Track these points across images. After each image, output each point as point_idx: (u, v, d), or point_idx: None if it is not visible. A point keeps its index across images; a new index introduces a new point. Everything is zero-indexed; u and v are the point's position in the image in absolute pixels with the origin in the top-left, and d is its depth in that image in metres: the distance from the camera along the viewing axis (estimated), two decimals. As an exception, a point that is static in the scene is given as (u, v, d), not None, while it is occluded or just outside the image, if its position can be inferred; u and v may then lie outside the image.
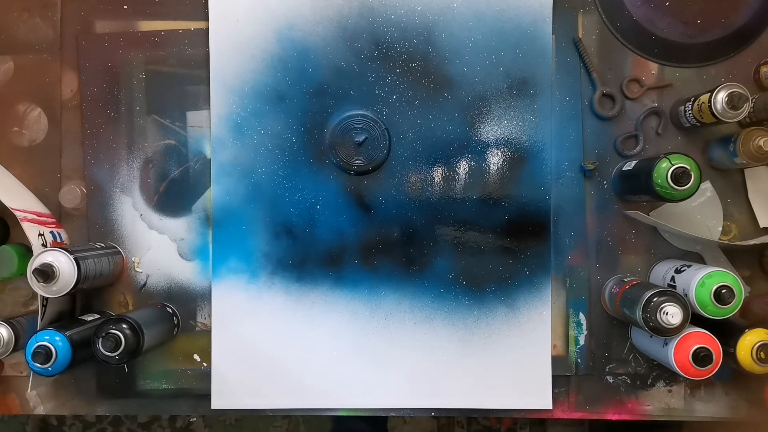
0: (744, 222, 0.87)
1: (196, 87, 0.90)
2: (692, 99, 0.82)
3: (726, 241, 0.85)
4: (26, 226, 0.82)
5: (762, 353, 0.75)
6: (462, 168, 0.88)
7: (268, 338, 0.89)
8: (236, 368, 0.89)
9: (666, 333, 0.75)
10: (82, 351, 0.80)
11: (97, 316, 0.87)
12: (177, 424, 1.62)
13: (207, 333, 0.90)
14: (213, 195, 0.89)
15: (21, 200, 0.87)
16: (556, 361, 0.88)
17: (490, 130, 0.88)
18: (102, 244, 0.88)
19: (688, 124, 0.84)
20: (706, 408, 0.88)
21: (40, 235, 0.83)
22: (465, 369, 0.88)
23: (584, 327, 0.88)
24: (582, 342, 0.88)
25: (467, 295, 0.88)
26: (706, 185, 0.86)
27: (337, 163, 0.88)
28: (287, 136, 0.89)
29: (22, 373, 0.91)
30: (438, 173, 0.88)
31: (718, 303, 0.74)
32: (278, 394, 0.89)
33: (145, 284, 0.91)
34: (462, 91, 0.88)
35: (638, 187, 0.80)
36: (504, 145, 0.88)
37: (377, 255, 0.89)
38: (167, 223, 0.91)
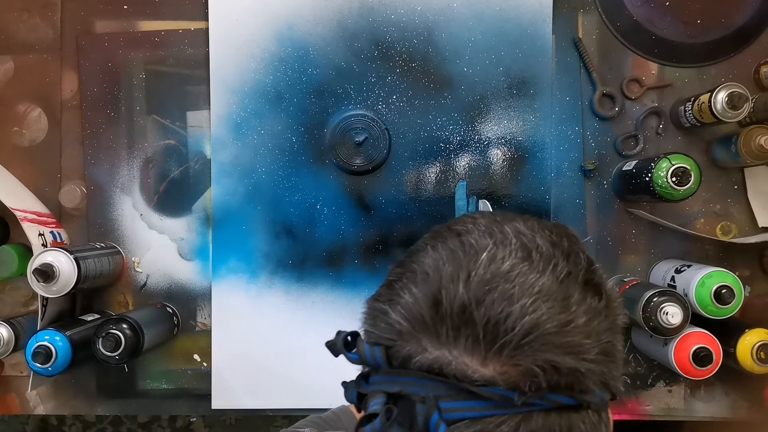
0: (744, 221, 0.87)
1: (196, 87, 0.90)
2: (692, 99, 0.82)
3: (726, 240, 0.85)
4: (26, 226, 0.82)
5: (762, 353, 0.75)
6: (462, 168, 0.88)
7: (268, 338, 0.89)
8: (236, 368, 0.89)
9: (666, 333, 0.75)
10: (82, 351, 0.80)
11: (97, 316, 0.87)
12: (177, 424, 1.62)
13: (207, 333, 0.90)
14: (213, 195, 0.89)
15: (21, 200, 0.87)
16: (556, 361, 0.88)
17: (490, 130, 0.88)
18: (102, 244, 0.88)
19: (688, 124, 0.84)
20: (706, 408, 0.87)
21: (40, 235, 0.83)
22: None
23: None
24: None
25: (467, 295, 0.88)
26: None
27: (337, 163, 0.88)
28: (287, 136, 0.89)
29: (22, 373, 0.91)
30: (438, 173, 0.88)
31: (718, 303, 0.74)
32: (278, 394, 0.89)
33: (145, 284, 0.91)
34: (462, 90, 0.88)
35: (638, 187, 0.80)
36: (504, 144, 0.88)
37: (377, 255, 0.89)
38: (167, 223, 0.91)
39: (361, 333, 0.42)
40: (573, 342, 0.36)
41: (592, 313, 0.37)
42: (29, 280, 0.78)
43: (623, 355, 0.41)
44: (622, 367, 0.41)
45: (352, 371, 0.41)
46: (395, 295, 0.39)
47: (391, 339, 0.38)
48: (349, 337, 0.41)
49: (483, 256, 0.37)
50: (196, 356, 0.91)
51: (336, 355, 0.41)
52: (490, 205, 0.83)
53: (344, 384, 0.41)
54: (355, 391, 0.40)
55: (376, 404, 0.37)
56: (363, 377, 0.40)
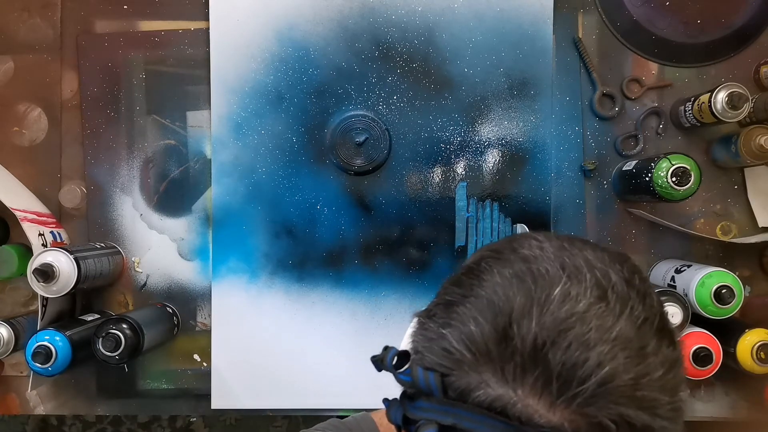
0: (744, 222, 0.87)
1: (196, 87, 0.90)
2: (692, 99, 0.82)
3: (726, 240, 0.85)
4: (26, 226, 0.82)
5: (762, 353, 0.75)
6: (462, 168, 0.88)
7: (268, 338, 0.89)
8: (236, 368, 0.89)
9: (666, 333, 0.75)
10: (82, 351, 0.80)
11: (97, 316, 0.87)
12: (177, 424, 1.62)
13: (207, 333, 0.90)
14: (213, 195, 0.89)
15: (21, 200, 0.87)
16: (556, 361, 0.88)
17: (491, 131, 0.88)
18: (102, 244, 0.88)
19: (688, 124, 0.84)
20: (706, 408, 0.87)
21: (40, 235, 0.83)
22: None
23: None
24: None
25: (467, 295, 0.88)
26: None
27: (337, 163, 0.88)
28: (287, 136, 0.89)
29: (22, 373, 0.91)
30: (438, 173, 0.88)
31: (718, 303, 0.74)
32: (278, 394, 0.89)
33: (145, 284, 0.91)
34: (462, 91, 0.88)
35: (638, 187, 0.80)
36: (504, 145, 0.88)
37: (377, 255, 0.89)
38: (167, 223, 0.91)
39: (408, 348, 0.40)
40: (648, 397, 0.34)
41: (668, 365, 0.36)
42: (29, 280, 0.78)
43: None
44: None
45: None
46: (455, 321, 0.37)
47: (447, 367, 0.36)
48: (396, 357, 0.39)
49: (556, 291, 0.35)
50: (196, 356, 0.91)
51: (379, 370, 0.39)
52: (527, 229, 0.82)
53: (386, 401, 0.39)
54: (401, 412, 0.38)
55: None
56: (408, 398, 0.38)
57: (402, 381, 0.38)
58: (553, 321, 0.34)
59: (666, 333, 0.37)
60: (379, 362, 0.39)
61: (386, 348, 0.39)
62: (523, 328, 0.34)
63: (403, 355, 0.39)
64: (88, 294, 0.91)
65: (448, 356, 0.36)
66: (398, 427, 0.38)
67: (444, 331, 0.37)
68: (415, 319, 0.41)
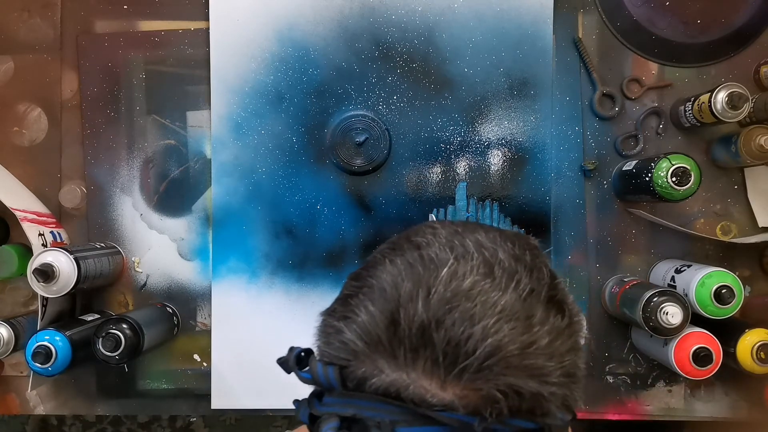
0: (744, 222, 0.87)
1: (196, 87, 0.90)
2: (692, 99, 0.82)
3: (726, 240, 0.85)
4: (26, 226, 0.82)
5: (762, 353, 0.75)
6: (462, 168, 0.88)
7: (268, 338, 0.89)
8: (236, 368, 0.89)
9: (666, 333, 0.75)
10: (82, 351, 0.80)
11: (97, 316, 0.87)
12: (177, 424, 1.62)
13: (207, 333, 0.90)
14: (213, 195, 0.89)
15: (21, 200, 0.87)
16: (556, 361, 0.88)
17: (491, 131, 0.88)
18: (102, 244, 0.88)
19: (688, 124, 0.84)
20: (706, 408, 0.88)
21: (40, 235, 0.83)
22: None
23: (584, 327, 0.88)
24: (582, 342, 0.88)
25: (467, 295, 0.88)
26: None
27: (337, 163, 0.88)
28: (288, 136, 0.89)
29: (22, 373, 0.91)
30: (438, 173, 0.88)
31: (718, 303, 0.74)
32: (278, 394, 0.89)
33: (145, 284, 0.91)
34: (462, 91, 0.88)
35: (638, 187, 0.80)
36: (504, 145, 0.88)
37: (377, 255, 0.89)
38: (167, 223, 0.91)
39: (315, 350, 0.40)
40: (536, 365, 0.35)
41: (555, 332, 0.36)
42: (29, 280, 0.78)
43: (584, 372, 0.40)
44: (583, 385, 0.40)
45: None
46: (350, 312, 0.38)
47: (345, 359, 0.37)
48: (302, 354, 0.39)
49: (443, 272, 0.36)
50: (196, 356, 0.91)
51: (288, 372, 0.39)
52: (434, 216, 0.84)
53: (296, 402, 0.40)
54: (308, 411, 0.38)
55: (329, 429, 0.36)
56: (316, 396, 0.38)
57: (303, 379, 0.39)
58: (439, 301, 0.35)
59: (555, 303, 0.38)
60: (284, 363, 0.40)
61: (291, 349, 0.40)
62: (410, 312, 0.35)
63: (307, 354, 0.39)
64: (88, 294, 0.91)
65: (344, 348, 0.37)
66: (310, 429, 0.38)
67: (340, 324, 0.38)
68: (319, 317, 0.41)
